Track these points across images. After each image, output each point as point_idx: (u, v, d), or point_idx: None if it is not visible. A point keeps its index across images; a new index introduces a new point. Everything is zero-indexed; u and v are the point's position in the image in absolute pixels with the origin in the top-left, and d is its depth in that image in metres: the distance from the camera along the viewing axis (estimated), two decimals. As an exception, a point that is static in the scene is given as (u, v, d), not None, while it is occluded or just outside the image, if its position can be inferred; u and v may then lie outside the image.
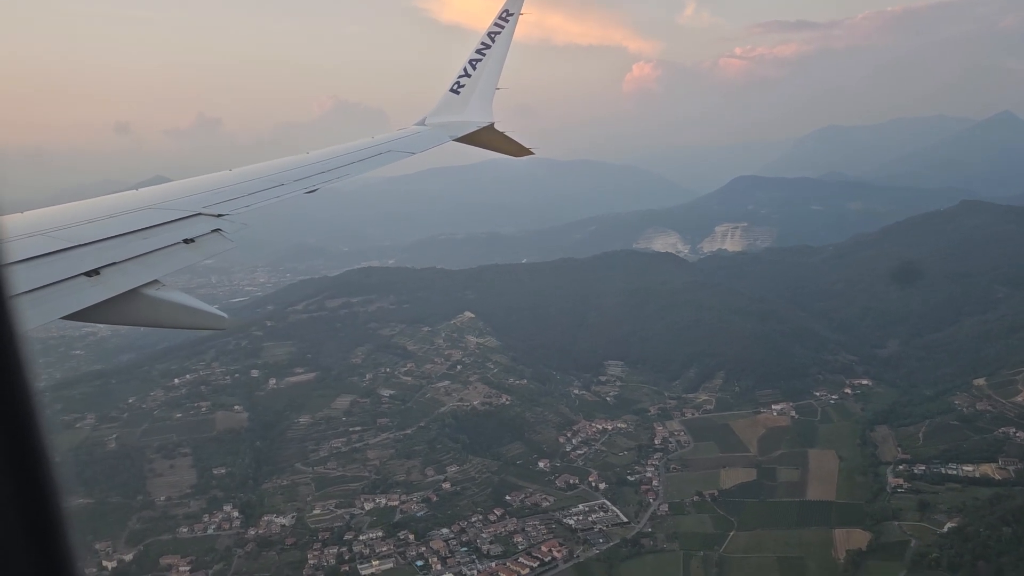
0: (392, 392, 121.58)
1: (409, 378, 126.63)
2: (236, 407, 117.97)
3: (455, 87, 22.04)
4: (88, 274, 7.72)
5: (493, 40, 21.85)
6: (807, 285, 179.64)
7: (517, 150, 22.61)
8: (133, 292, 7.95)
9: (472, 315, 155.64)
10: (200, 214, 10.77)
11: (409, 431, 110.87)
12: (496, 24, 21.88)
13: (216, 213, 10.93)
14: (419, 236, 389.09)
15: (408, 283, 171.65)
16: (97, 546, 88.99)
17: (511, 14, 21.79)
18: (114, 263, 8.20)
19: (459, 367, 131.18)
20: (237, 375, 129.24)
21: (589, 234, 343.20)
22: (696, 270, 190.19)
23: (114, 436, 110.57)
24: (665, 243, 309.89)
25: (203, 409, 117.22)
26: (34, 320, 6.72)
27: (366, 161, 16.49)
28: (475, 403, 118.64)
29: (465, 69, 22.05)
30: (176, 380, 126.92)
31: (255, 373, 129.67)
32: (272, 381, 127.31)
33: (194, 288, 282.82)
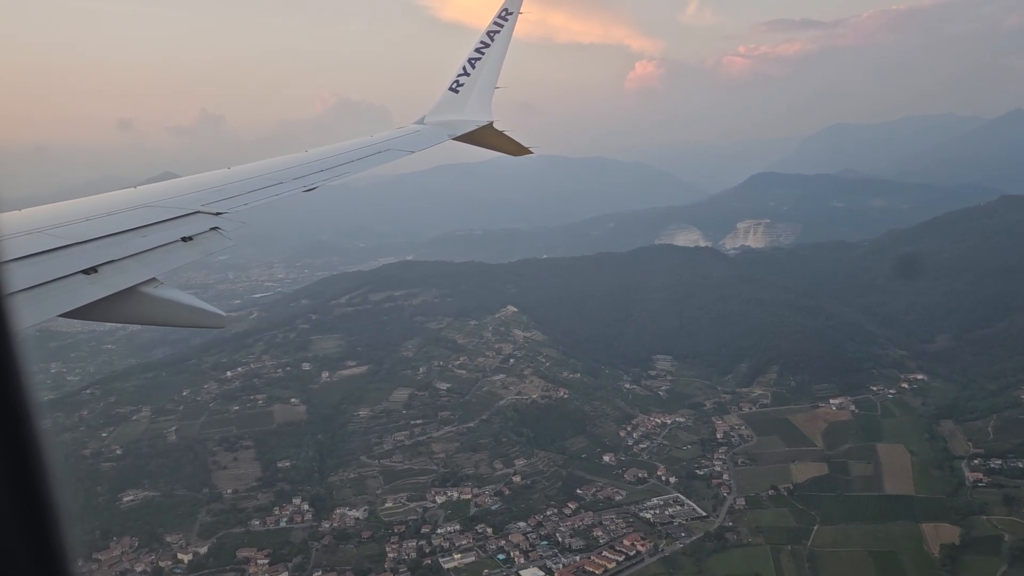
0: (448, 385, 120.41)
1: (464, 371, 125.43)
2: (292, 400, 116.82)
3: (454, 86, 21.97)
4: (86, 272, 7.69)
5: (492, 39, 21.79)
6: (847, 280, 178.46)
7: (516, 149, 22.48)
8: (131, 290, 7.93)
9: (515, 309, 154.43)
10: (199, 212, 10.76)
11: (472, 424, 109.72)
12: (495, 23, 21.79)
13: (215, 211, 10.90)
14: (433, 232, 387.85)
15: (448, 277, 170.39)
16: (168, 539, 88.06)
17: (510, 13, 21.71)
18: (112, 261, 8.18)
19: (512, 360, 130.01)
20: (289, 368, 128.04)
21: (609, 231, 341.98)
22: (735, 264, 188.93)
23: (173, 429, 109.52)
24: (687, 239, 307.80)
25: (259, 402, 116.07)
26: (31, 318, 6.61)
27: (365, 160, 16.49)
28: (534, 396, 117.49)
29: (464, 68, 22.00)
30: (228, 373, 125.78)
31: (307, 366, 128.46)
32: (325, 374, 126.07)
33: (212, 284, 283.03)
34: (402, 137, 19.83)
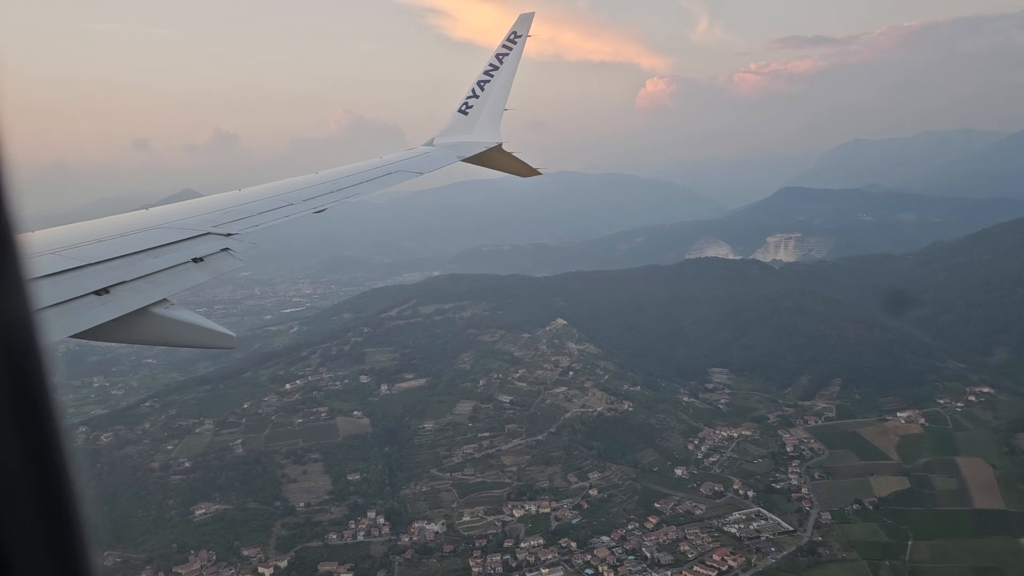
0: (511, 398, 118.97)
1: (524, 384, 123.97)
2: (355, 412, 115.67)
3: (463, 108, 22.14)
4: (98, 292, 7.71)
5: (501, 62, 21.94)
6: (895, 292, 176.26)
7: (525, 170, 22.51)
8: (142, 311, 7.91)
9: (564, 322, 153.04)
10: (209, 233, 10.81)
11: (540, 437, 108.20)
12: (504, 46, 21.94)
13: (225, 232, 10.96)
14: (455, 248, 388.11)
15: (495, 290, 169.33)
16: (245, 552, 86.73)
17: (519, 36, 21.89)
18: (124, 282, 8.20)
19: (571, 373, 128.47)
20: (346, 380, 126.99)
21: (637, 245, 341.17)
22: (783, 276, 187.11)
23: (239, 441, 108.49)
24: (717, 254, 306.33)
25: (322, 414, 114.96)
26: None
27: (374, 181, 16.59)
28: (599, 409, 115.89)
29: (473, 90, 22.16)
30: (287, 386, 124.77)
31: (364, 379, 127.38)
32: (384, 387, 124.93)
33: (239, 299, 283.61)
34: (411, 159, 19.92)
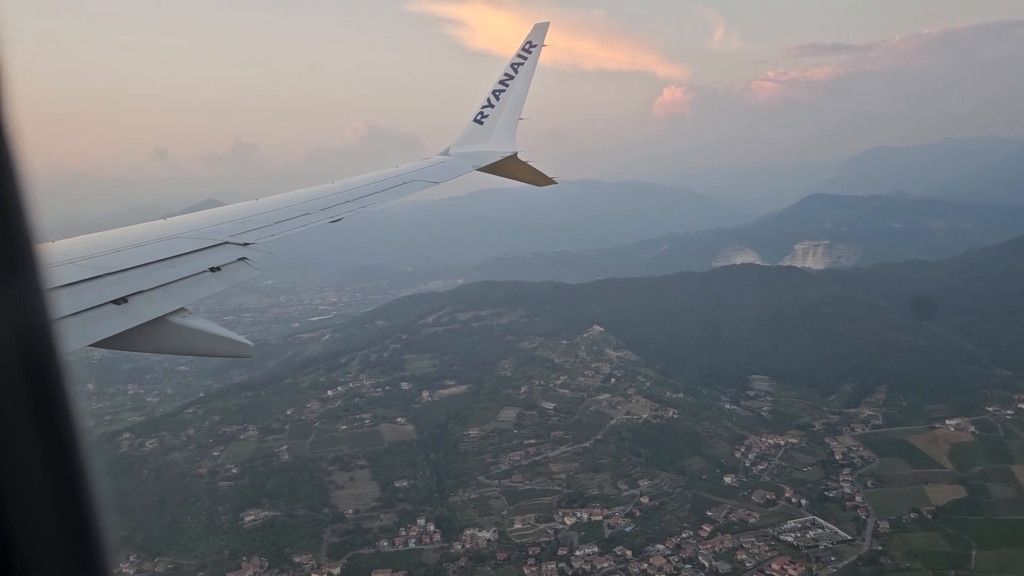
0: (554, 405, 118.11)
1: (567, 391, 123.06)
2: (399, 419, 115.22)
3: (479, 117, 22.26)
4: (116, 302, 7.76)
5: (516, 71, 22.03)
6: (933, 300, 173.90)
7: (540, 179, 22.56)
8: (160, 320, 7.96)
9: (601, 328, 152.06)
10: (226, 243, 10.89)
11: (587, 444, 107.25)
12: (519, 55, 22.01)
13: (242, 242, 11.03)
14: (477, 256, 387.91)
15: (530, 296, 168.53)
16: (297, 559, 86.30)
17: (534, 45, 21.96)
18: (141, 291, 8.26)
19: (612, 380, 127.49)
20: (388, 387, 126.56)
21: (662, 253, 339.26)
22: (820, 283, 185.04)
23: (284, 448, 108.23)
24: (745, 261, 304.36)
25: (366, 421, 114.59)
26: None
27: (390, 191, 16.67)
28: (644, 416, 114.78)
29: (488, 100, 22.26)
30: (329, 392, 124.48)
31: (405, 385, 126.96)
32: (425, 393, 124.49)
33: (266, 308, 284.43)
34: (427, 168, 19.99)
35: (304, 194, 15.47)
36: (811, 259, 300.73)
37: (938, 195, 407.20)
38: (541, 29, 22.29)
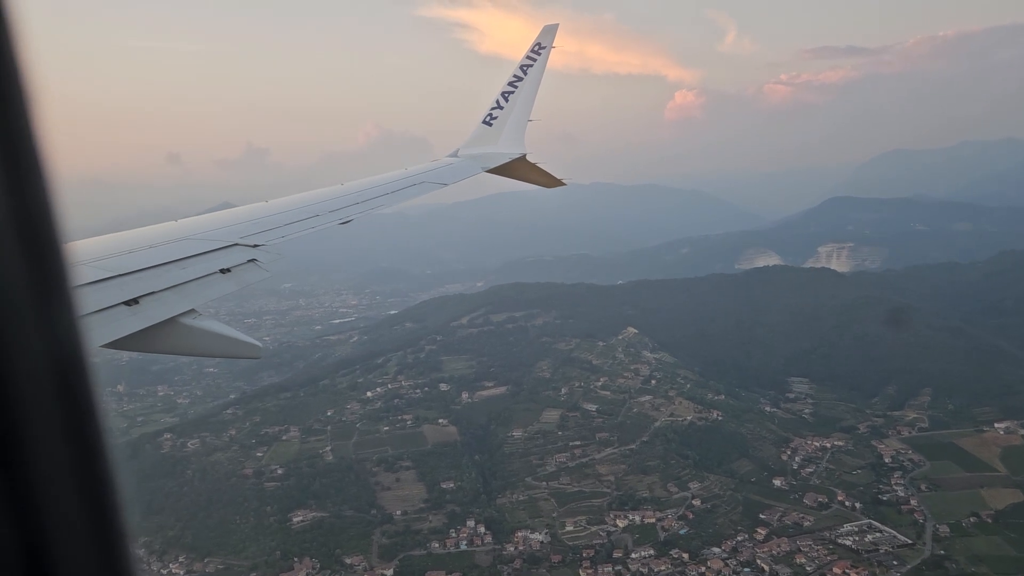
0: (596, 406, 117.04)
1: (608, 392, 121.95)
2: (440, 420, 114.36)
3: (488, 119, 22.27)
4: (127, 303, 7.82)
5: (525, 73, 22.00)
6: (970, 302, 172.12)
7: (549, 181, 22.58)
8: (170, 321, 8.00)
9: (635, 330, 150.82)
10: (236, 244, 10.92)
11: (633, 446, 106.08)
12: (528, 57, 21.96)
13: (252, 244, 11.06)
14: (494, 258, 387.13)
15: (563, 298, 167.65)
16: (348, 560, 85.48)
17: (543, 47, 21.94)
18: (152, 292, 8.31)
19: (653, 382, 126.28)
20: (426, 388, 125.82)
21: (683, 255, 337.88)
22: (855, 285, 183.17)
23: (327, 448, 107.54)
24: (768, 263, 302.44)
25: (408, 422, 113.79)
26: None
27: (399, 192, 16.66)
28: (689, 418, 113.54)
29: (497, 101, 22.24)
30: (368, 393, 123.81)
31: (444, 387, 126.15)
32: (464, 395, 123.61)
33: (286, 311, 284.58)
34: (436, 170, 19.97)
35: (314, 196, 15.47)
36: (835, 262, 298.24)
37: (960, 197, 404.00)
38: (550, 31, 22.23)
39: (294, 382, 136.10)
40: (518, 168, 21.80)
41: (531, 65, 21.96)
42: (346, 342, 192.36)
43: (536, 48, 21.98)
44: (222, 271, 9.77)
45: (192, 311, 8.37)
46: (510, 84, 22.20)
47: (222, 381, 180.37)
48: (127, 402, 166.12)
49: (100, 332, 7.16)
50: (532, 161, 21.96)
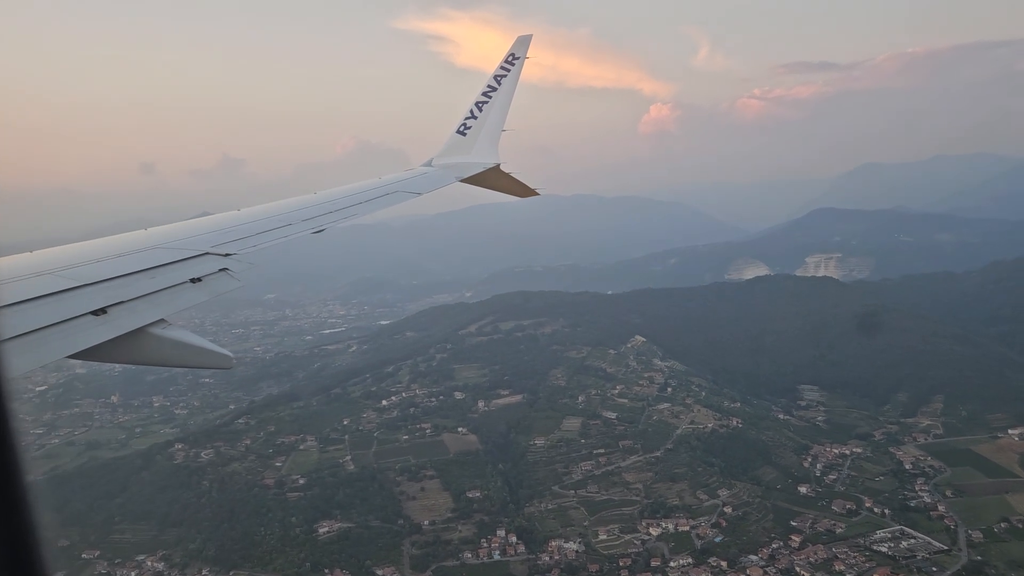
0: (616, 414, 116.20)
1: (625, 400, 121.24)
2: (460, 429, 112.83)
3: (461, 129, 22.27)
4: (95, 313, 7.70)
5: (499, 83, 21.98)
6: (969, 310, 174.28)
7: (523, 191, 22.48)
8: (140, 331, 7.89)
9: (643, 339, 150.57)
10: (208, 253, 10.85)
11: (658, 453, 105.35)
12: (502, 67, 21.94)
13: (224, 252, 10.98)
14: (479, 269, 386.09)
15: (569, 307, 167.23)
16: (379, 572, 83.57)
17: (517, 58, 21.92)
18: (121, 302, 8.22)
19: (669, 389, 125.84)
20: (441, 397, 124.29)
21: (671, 266, 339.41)
22: (857, 293, 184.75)
23: (348, 458, 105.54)
24: (756, 273, 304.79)
25: (427, 431, 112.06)
26: (40, 359, 6.64)
27: (372, 201, 16.60)
28: (710, 425, 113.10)
29: (471, 111, 22.24)
30: (384, 402, 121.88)
31: (460, 395, 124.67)
32: (481, 403, 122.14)
33: (273, 321, 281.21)
34: (409, 179, 19.97)
35: (286, 205, 15.33)
36: (823, 271, 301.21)
37: (938, 210, 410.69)
38: (524, 42, 22.07)
39: (303, 391, 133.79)
40: (492, 178, 21.63)
41: (505, 75, 21.87)
42: (344, 352, 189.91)
43: (510, 59, 21.87)
44: (193, 280, 9.61)
45: (162, 321, 8.20)
46: (484, 94, 22.06)
47: (219, 391, 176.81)
48: (122, 413, 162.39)
49: (67, 342, 7.00)
50: (506, 171, 21.84)
